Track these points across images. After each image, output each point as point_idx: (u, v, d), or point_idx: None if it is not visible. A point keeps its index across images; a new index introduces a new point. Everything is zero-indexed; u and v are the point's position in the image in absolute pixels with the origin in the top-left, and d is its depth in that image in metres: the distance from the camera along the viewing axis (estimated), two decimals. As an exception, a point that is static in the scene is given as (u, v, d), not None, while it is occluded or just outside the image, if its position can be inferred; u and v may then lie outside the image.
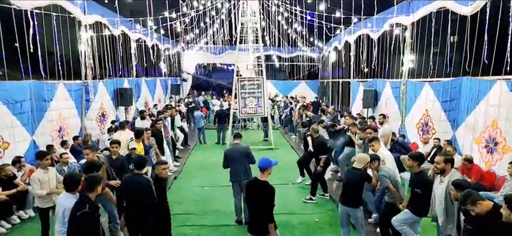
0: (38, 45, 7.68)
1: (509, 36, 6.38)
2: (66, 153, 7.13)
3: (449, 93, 8.20)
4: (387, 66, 11.84)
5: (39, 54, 7.77)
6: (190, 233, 6.12)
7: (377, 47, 11.94)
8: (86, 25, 9.85)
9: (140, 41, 14.84)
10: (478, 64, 7.48)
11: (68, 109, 9.28)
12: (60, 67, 8.69)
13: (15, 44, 7.11)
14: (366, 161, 5.14)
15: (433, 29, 8.71)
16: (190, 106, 17.10)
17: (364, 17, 12.32)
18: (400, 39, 10.56)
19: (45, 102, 8.20)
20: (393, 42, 10.85)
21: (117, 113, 12.20)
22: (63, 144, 8.35)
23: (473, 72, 7.68)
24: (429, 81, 9.16)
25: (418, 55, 9.94)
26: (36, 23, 7.62)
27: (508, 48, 6.43)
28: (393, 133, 9.46)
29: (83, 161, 8.38)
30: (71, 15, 9.08)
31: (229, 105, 15.19)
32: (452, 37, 8.39)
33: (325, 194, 7.78)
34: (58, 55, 8.64)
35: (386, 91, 11.63)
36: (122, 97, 12.03)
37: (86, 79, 9.97)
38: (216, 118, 14.37)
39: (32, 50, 7.26)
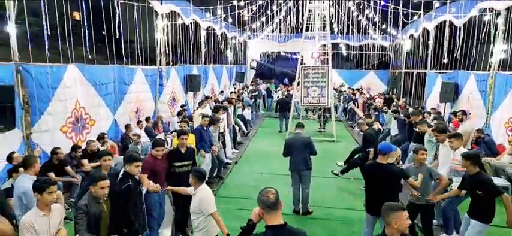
0: (121, 33, 8.40)
1: None
2: (137, 135, 7.79)
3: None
4: (472, 56, 10.61)
5: (122, 41, 8.49)
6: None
7: (462, 34, 10.74)
8: (162, 14, 10.48)
9: (210, 29, 15.37)
10: None
11: (145, 92, 10.08)
12: (139, 54, 9.41)
13: (103, 32, 7.86)
14: None
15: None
16: (253, 94, 17.39)
17: (449, 1, 11.14)
18: (491, 26, 9.36)
19: (126, 85, 9.00)
20: (482, 30, 9.66)
21: (186, 98, 12.87)
22: (138, 123, 9.10)
23: None
24: (524, 75, 8.03)
25: (511, 45, 8.74)
26: (120, 12, 8.33)
27: None
28: (480, 130, 8.60)
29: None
30: (150, 5, 9.74)
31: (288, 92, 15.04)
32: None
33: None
34: (138, 42, 9.35)
35: (469, 85, 10.43)
36: (191, 83, 12.64)
37: (160, 65, 10.66)
38: (278, 106, 14.38)
39: (117, 37, 7.95)
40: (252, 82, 21.08)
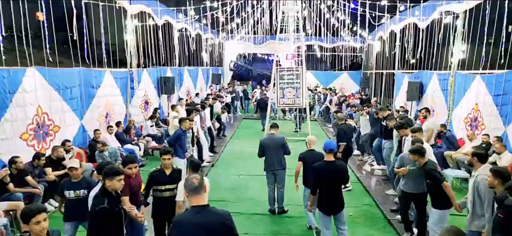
0: (85, 34, 8.15)
1: None
2: (102, 142, 7.57)
3: (503, 86, 7.55)
4: (435, 57, 11.11)
5: (88, 43, 8.26)
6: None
7: (425, 36, 11.24)
8: (131, 15, 10.30)
9: (183, 30, 15.25)
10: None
11: (114, 96, 9.83)
12: (106, 56, 9.19)
13: (68, 33, 7.62)
14: None
15: (487, 17, 7.99)
16: (231, 95, 17.43)
17: (411, 5, 11.61)
18: (451, 28, 9.83)
19: (93, 89, 8.75)
20: (442, 32, 10.14)
21: (160, 101, 12.71)
22: (108, 128, 8.89)
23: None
24: (481, 74, 8.49)
25: (469, 45, 9.21)
26: (85, 12, 8.12)
27: None
28: (443, 125, 9.11)
29: (127, 146, 8.97)
30: (118, 5, 9.53)
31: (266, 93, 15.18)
32: (510, 26, 7.68)
33: (347, 186, 7.59)
34: (104, 43, 9.12)
35: (432, 84, 10.95)
36: (165, 86, 12.47)
37: (130, 67, 10.47)
38: (258, 106, 14.46)
39: (75, 38, 7.72)
40: (229, 84, 21.06)
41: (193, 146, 7.92)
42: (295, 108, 13.43)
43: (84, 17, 8.13)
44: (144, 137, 10.21)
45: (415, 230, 5.33)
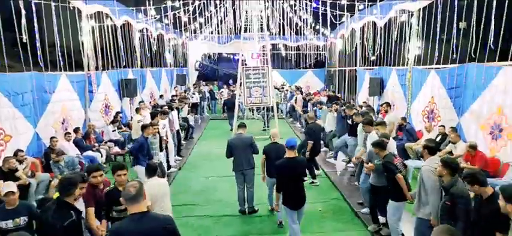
0: (36, 36, 7.63)
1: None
2: (58, 152, 7.12)
3: (455, 79, 8.04)
4: (393, 53, 11.61)
5: (40, 45, 7.73)
6: (193, 223, 6.15)
7: (383, 34, 11.70)
8: (87, 15, 9.81)
9: (144, 30, 14.81)
10: (485, 51, 7.27)
11: (71, 101, 9.29)
12: (61, 59, 8.65)
13: (17, 35, 7.08)
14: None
15: (439, 15, 8.45)
16: (199, 96, 17.18)
17: (369, 4, 12.04)
18: (407, 25, 10.31)
19: (48, 94, 8.20)
20: (399, 29, 10.61)
21: (122, 104, 12.24)
22: (66, 135, 8.39)
23: (479, 59, 7.48)
24: (435, 68, 8.97)
25: (424, 42, 9.70)
26: (36, 13, 7.59)
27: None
28: (404, 118, 9.51)
29: (87, 153, 8.52)
30: (71, 5, 9.03)
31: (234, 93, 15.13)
32: (460, 23, 8.16)
33: (314, 181, 7.81)
34: (59, 46, 8.59)
35: (392, 79, 11.44)
36: (127, 88, 12.03)
37: (88, 70, 9.96)
38: (225, 106, 14.33)
39: (25, 40, 7.19)
40: (194, 84, 20.73)
41: (161, 151, 7.66)
42: (262, 107, 13.46)
43: (34, 17, 7.57)
44: (105, 143, 9.77)
45: (382, 219, 5.53)
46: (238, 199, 6.43)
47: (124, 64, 12.50)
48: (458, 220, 3.62)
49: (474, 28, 7.31)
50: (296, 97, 16.28)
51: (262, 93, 12.42)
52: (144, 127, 6.88)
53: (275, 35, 20.32)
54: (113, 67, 11.82)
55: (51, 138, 7.69)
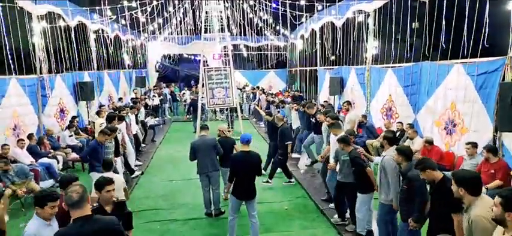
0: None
1: (466, 20, 6.63)
2: (4, 161, 6.62)
3: (411, 77, 8.46)
4: (352, 53, 12.06)
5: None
6: (159, 228, 5.97)
7: (341, 34, 12.10)
8: (38, 16, 9.18)
9: (100, 32, 14.13)
10: (438, 49, 7.75)
11: (23, 105, 8.62)
12: (11, 62, 8.02)
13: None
14: None
15: (394, 16, 8.90)
16: (160, 98, 16.70)
17: (328, 4, 12.41)
18: (364, 25, 10.75)
19: (-4, 99, 7.56)
20: (356, 29, 11.03)
21: (78, 108, 11.60)
22: (19, 142, 7.80)
23: (432, 57, 7.96)
24: (392, 67, 9.41)
25: (381, 41, 10.18)
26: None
27: (465, 32, 6.68)
28: (364, 116, 9.88)
29: (42, 160, 7.96)
30: (19, 6, 8.40)
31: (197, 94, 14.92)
32: (414, 23, 8.64)
33: (291, 181, 7.96)
34: (7, 48, 7.95)
35: (351, 78, 11.85)
36: (83, 91, 11.41)
37: (40, 73, 9.32)
38: (191, 107, 14.03)
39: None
40: (155, 86, 20.13)
41: (117, 156, 7.24)
42: (226, 108, 13.39)
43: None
44: (62, 149, 9.20)
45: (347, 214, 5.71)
46: (204, 201, 6.34)
47: (79, 66, 11.85)
48: (415, 199, 4.04)
49: (427, 28, 7.77)
50: (259, 99, 16.39)
51: (225, 94, 12.37)
52: (100, 133, 6.52)
53: (236, 35, 20.34)
54: (67, 70, 11.16)
55: (3, 145, 7.14)
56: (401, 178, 4.35)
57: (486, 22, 6.13)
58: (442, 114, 7.50)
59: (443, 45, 7.30)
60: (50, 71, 9.81)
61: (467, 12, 6.56)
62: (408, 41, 8.65)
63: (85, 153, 6.40)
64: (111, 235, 2.71)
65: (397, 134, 8.29)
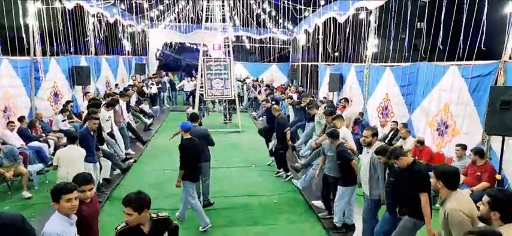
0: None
1: (463, 23, 6.52)
2: None
3: (408, 77, 8.39)
4: (353, 50, 11.92)
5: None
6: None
7: (343, 30, 11.95)
8: (33, -4, 9.07)
9: (99, 16, 14.00)
10: (435, 50, 7.64)
11: (15, 87, 8.57)
12: (3, 42, 7.94)
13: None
14: None
15: (395, 14, 8.76)
16: (158, 87, 16.61)
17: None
18: (365, 23, 10.59)
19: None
20: (358, 26, 10.89)
21: (74, 93, 11.53)
22: (9, 124, 7.74)
23: (430, 58, 7.85)
24: (390, 66, 9.31)
25: (381, 39, 10.04)
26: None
27: (462, 35, 6.58)
28: (361, 113, 9.82)
29: (33, 144, 7.91)
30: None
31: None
32: (420, 23, 8.53)
33: (288, 174, 7.88)
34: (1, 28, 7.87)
35: (351, 75, 11.73)
36: (79, 76, 11.32)
37: (34, 55, 9.24)
38: (190, 96, 13.92)
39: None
40: (155, 74, 20.05)
41: (101, 144, 6.97)
42: (224, 100, 13.29)
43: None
44: (55, 133, 9.16)
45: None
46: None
47: (76, 50, 11.76)
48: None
49: (426, 29, 7.65)
50: (260, 90, 16.28)
51: (223, 86, 12.26)
52: (86, 119, 6.34)
53: (239, 26, 20.15)
54: (62, 53, 11.07)
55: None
56: (387, 170, 4.50)
57: (483, 24, 6.02)
58: (435, 115, 7.46)
59: (441, 46, 7.19)
60: (44, 54, 9.72)
61: (465, 15, 6.43)
62: (407, 41, 8.52)
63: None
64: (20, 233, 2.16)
65: (391, 133, 8.24)
